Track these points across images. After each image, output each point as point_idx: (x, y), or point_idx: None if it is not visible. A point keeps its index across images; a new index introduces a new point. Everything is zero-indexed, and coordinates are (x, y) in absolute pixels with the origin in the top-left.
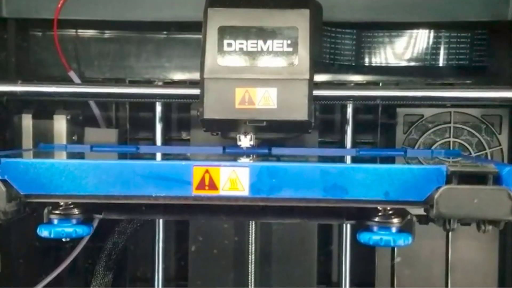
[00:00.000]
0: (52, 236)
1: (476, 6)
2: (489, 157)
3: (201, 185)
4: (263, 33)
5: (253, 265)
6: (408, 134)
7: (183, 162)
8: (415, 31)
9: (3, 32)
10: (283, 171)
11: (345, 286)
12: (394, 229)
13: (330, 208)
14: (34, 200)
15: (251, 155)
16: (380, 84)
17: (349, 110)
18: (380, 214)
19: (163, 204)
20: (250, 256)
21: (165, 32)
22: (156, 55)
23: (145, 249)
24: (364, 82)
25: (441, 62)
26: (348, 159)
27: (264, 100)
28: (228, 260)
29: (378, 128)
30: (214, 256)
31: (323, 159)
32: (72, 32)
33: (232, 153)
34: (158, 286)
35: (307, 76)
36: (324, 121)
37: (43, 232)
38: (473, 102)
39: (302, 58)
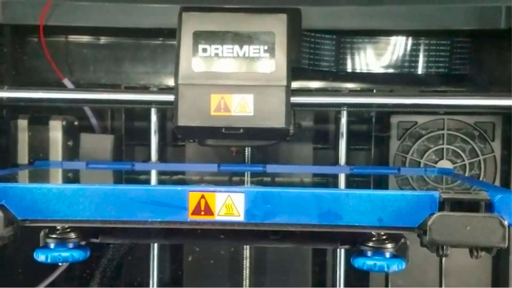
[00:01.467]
0: (48, 261)
1: (460, 15)
2: (482, 164)
3: (196, 211)
4: (239, 38)
5: (247, 271)
6: (402, 141)
7: (179, 188)
8: (395, 37)
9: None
10: (278, 196)
11: None
12: (388, 254)
13: (325, 233)
14: (30, 225)
15: (245, 173)
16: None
17: (343, 119)
18: (374, 239)
19: (159, 228)
20: (244, 262)
21: (161, 38)
22: (151, 61)
23: (140, 255)
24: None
25: (420, 70)
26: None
27: (240, 107)
28: (223, 266)
29: (372, 134)
30: (209, 262)
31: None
32: (67, 38)
33: (227, 171)
34: None
35: (284, 83)
36: (318, 127)
37: (40, 256)
38: (469, 110)
39: (280, 64)
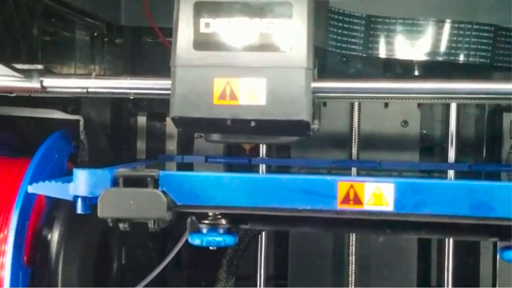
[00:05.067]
0: (203, 244)
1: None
2: None
3: (345, 200)
4: (249, 10)
5: (353, 267)
6: None
7: (328, 177)
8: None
9: (120, 39)
10: (428, 187)
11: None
12: None
13: (473, 225)
14: (187, 210)
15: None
16: None
17: (453, 115)
18: None
19: (305, 216)
20: (350, 258)
21: None
22: None
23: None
24: None
25: (461, 58)
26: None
27: (250, 94)
28: (328, 262)
29: (484, 133)
30: (314, 258)
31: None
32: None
33: (341, 166)
34: (260, 283)
35: (305, 64)
36: (425, 122)
37: (195, 240)
38: None
39: (299, 41)
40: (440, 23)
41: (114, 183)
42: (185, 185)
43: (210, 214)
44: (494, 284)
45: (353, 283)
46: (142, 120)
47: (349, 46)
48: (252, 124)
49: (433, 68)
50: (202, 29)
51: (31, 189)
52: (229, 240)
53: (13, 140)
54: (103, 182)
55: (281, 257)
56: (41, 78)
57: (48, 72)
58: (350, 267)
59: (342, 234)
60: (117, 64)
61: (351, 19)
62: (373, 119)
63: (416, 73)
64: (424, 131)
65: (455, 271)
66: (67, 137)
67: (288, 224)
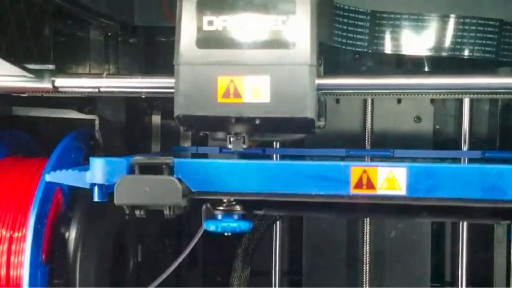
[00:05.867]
0: (218, 230)
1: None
2: None
3: (358, 185)
4: (253, 7)
5: (367, 261)
6: None
7: (342, 163)
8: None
9: (134, 39)
10: (440, 171)
11: (461, 285)
12: None
13: (486, 208)
14: (202, 197)
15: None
16: None
17: (466, 104)
18: None
19: (319, 202)
20: (364, 252)
21: None
22: None
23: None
24: None
25: (466, 53)
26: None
27: (254, 92)
28: (342, 258)
29: (497, 128)
30: (327, 252)
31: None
32: None
33: (355, 155)
34: (275, 279)
35: (308, 61)
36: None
37: (211, 226)
38: None
39: (303, 38)
40: (445, 18)
41: (130, 171)
42: (200, 172)
43: (225, 200)
44: (508, 279)
45: (367, 278)
46: (156, 119)
47: (354, 42)
48: (257, 121)
49: (443, 65)
50: (205, 27)
51: (49, 177)
52: (244, 225)
53: (30, 141)
54: (120, 169)
55: (296, 253)
56: (53, 78)
57: (59, 72)
58: (364, 262)
59: (355, 228)
60: (131, 64)
61: (356, 15)
62: (386, 115)
63: (426, 69)
64: (438, 127)
65: (469, 266)
66: (83, 136)
67: (301, 209)
